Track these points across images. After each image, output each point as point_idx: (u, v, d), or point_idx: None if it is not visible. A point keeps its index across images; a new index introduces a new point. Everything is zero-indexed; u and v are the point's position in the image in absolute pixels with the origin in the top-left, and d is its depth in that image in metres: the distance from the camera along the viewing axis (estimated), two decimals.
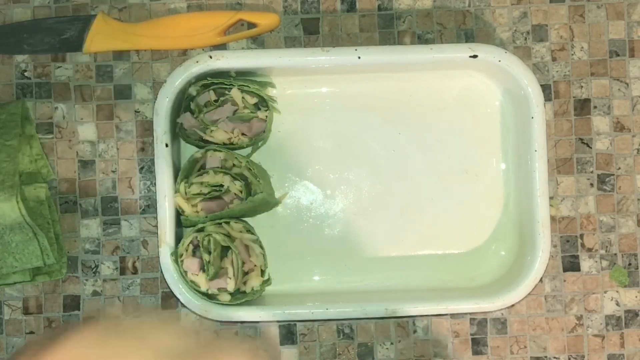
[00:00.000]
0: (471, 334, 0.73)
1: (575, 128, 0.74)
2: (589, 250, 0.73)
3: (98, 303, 0.72)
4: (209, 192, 0.67)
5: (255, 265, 0.67)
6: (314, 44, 0.73)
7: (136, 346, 0.38)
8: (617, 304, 0.73)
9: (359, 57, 0.68)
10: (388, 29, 0.74)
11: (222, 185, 0.67)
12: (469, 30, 0.74)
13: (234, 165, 0.68)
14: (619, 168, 0.74)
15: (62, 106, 0.73)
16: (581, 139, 0.74)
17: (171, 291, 0.67)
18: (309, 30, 0.73)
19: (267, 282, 0.68)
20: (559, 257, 0.73)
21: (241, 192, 0.67)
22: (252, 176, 0.67)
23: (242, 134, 0.68)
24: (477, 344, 0.73)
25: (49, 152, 0.73)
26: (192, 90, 0.68)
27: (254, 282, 0.67)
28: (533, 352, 0.73)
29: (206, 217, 0.67)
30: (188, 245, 0.66)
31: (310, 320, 0.71)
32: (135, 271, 0.72)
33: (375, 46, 0.73)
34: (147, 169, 0.73)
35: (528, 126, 0.68)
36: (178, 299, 0.67)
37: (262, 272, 0.67)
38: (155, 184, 0.68)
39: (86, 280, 0.72)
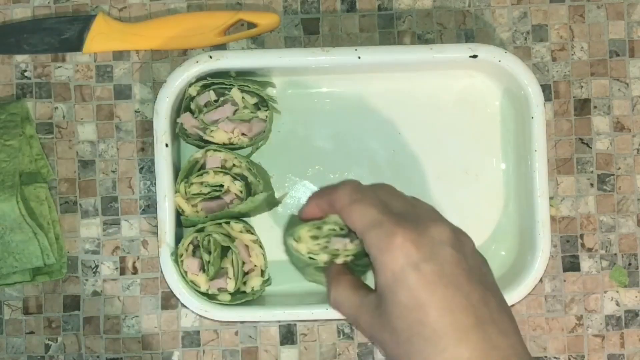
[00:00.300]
0: None
1: (575, 128, 0.74)
2: (589, 250, 0.73)
3: (98, 303, 0.72)
4: (209, 192, 0.67)
5: (255, 266, 0.67)
6: (314, 44, 0.73)
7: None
8: (617, 304, 0.73)
9: (359, 57, 0.68)
10: (388, 29, 0.74)
11: (222, 186, 0.67)
12: (469, 30, 0.74)
13: (234, 165, 0.68)
14: (619, 168, 0.74)
15: (62, 106, 0.73)
16: (581, 139, 0.74)
17: (171, 291, 0.67)
18: (309, 30, 0.74)
19: (267, 282, 0.68)
20: (559, 257, 0.73)
21: (241, 192, 0.67)
22: (252, 176, 0.67)
23: (242, 134, 0.68)
24: None
25: (49, 152, 0.73)
26: (192, 91, 0.68)
27: (254, 282, 0.67)
28: (533, 352, 0.73)
29: (206, 217, 0.67)
30: (188, 245, 0.66)
31: (310, 320, 0.71)
32: (135, 271, 0.73)
33: (375, 46, 0.73)
34: (147, 169, 0.73)
35: (528, 126, 0.68)
36: (178, 299, 0.67)
37: (262, 272, 0.67)
38: (155, 184, 0.68)
39: (86, 280, 0.72)
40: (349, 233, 0.59)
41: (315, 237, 0.59)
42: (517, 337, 0.51)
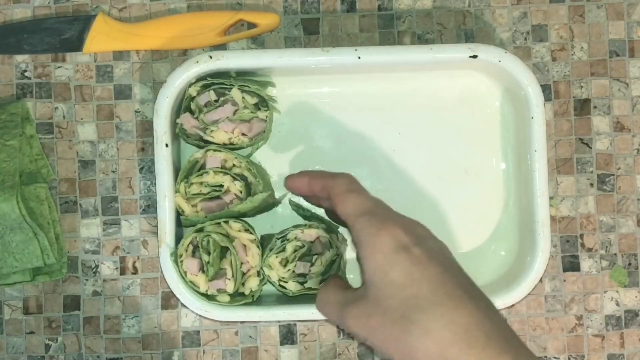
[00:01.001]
0: None
1: (575, 128, 0.74)
2: (589, 250, 0.73)
3: (98, 303, 0.72)
4: (208, 192, 0.67)
5: (252, 266, 0.67)
6: (314, 44, 0.73)
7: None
8: (617, 304, 0.73)
9: (359, 57, 0.68)
10: (388, 29, 0.74)
11: (222, 186, 0.67)
12: (469, 30, 0.74)
13: (233, 165, 0.68)
14: (619, 168, 0.74)
15: (62, 106, 0.73)
16: (581, 139, 0.74)
17: (171, 291, 0.67)
18: (309, 30, 0.74)
19: (262, 281, 0.68)
20: (559, 257, 0.73)
21: (241, 192, 0.67)
22: (251, 176, 0.67)
23: (242, 134, 0.68)
24: None
25: (49, 152, 0.73)
26: (192, 91, 0.68)
27: (252, 283, 0.67)
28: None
29: (206, 217, 0.67)
30: (188, 245, 0.66)
31: (310, 320, 0.71)
32: (135, 271, 0.73)
33: (375, 46, 0.73)
34: (147, 169, 0.73)
35: (528, 126, 0.68)
36: (178, 299, 0.67)
37: (258, 272, 0.67)
38: (155, 184, 0.68)
39: (86, 280, 0.72)
40: (309, 251, 0.66)
41: (284, 263, 0.66)
42: (502, 317, 0.54)
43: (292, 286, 0.66)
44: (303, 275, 0.66)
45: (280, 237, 0.67)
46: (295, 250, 0.66)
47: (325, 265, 0.66)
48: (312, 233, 0.66)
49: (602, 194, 0.74)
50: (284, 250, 0.66)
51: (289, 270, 0.66)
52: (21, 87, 0.73)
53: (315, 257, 0.66)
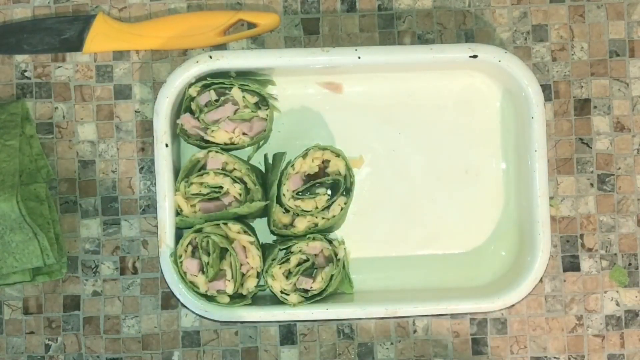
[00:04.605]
0: (471, 334, 0.73)
1: (575, 128, 0.74)
2: (589, 250, 0.73)
3: (98, 303, 0.72)
4: (208, 194, 0.67)
5: (252, 267, 0.67)
6: (314, 44, 0.73)
7: None
8: (617, 304, 0.73)
9: (359, 57, 0.68)
10: (388, 29, 0.74)
11: (221, 187, 0.67)
12: (469, 30, 0.74)
13: (234, 169, 0.67)
14: (619, 168, 0.74)
15: (62, 106, 0.73)
16: (581, 139, 0.74)
17: (171, 291, 0.67)
18: (309, 30, 0.74)
19: (260, 282, 0.68)
20: (559, 257, 0.73)
21: (240, 195, 0.67)
22: (251, 183, 0.67)
23: (244, 134, 0.68)
24: (477, 344, 0.73)
25: (49, 152, 0.73)
26: (192, 91, 0.68)
27: (250, 283, 0.67)
28: (533, 352, 0.73)
29: (201, 218, 0.67)
30: (187, 245, 0.66)
31: (310, 320, 0.71)
32: (135, 271, 0.72)
33: (375, 46, 0.73)
34: (147, 169, 0.73)
35: (528, 126, 0.68)
36: (178, 299, 0.67)
37: (258, 274, 0.67)
38: (155, 184, 0.68)
39: (86, 280, 0.72)
40: (313, 265, 0.66)
41: (287, 275, 0.66)
42: None
43: (294, 298, 0.66)
44: (305, 290, 0.66)
45: (284, 249, 0.67)
46: (299, 264, 0.66)
47: (326, 280, 0.66)
48: (316, 245, 0.67)
49: (602, 194, 0.73)
50: (287, 261, 0.66)
51: (291, 282, 0.66)
52: (21, 87, 0.73)
53: (316, 271, 0.67)
